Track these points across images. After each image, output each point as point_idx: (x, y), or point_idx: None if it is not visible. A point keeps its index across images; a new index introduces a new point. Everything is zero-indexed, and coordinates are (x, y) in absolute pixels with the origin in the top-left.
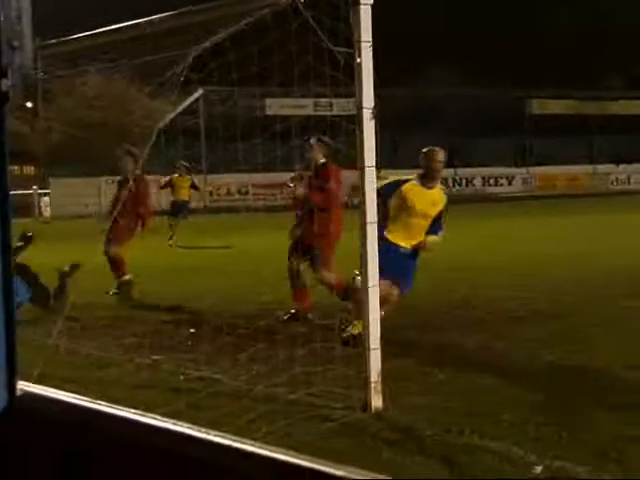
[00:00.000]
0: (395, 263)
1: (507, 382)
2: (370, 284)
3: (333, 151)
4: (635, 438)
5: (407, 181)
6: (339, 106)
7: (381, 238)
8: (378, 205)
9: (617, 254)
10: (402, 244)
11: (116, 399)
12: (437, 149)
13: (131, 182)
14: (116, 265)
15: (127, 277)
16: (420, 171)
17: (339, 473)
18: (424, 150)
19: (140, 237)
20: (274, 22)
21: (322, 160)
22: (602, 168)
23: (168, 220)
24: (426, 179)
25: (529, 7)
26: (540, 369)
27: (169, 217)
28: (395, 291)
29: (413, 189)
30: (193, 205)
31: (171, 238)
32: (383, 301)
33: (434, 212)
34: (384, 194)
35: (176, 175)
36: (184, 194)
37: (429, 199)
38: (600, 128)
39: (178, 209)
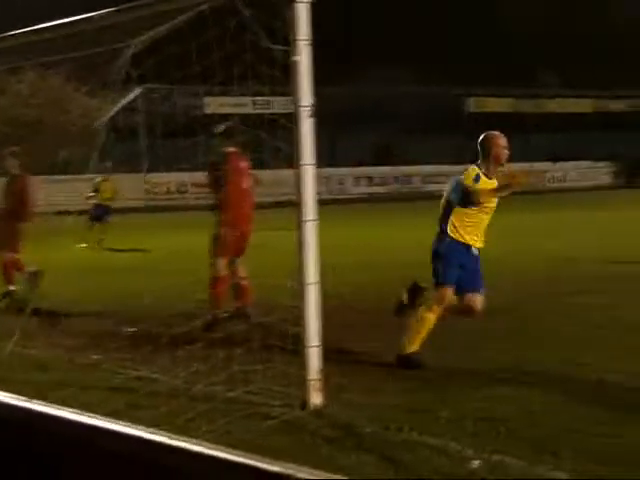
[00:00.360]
0: (468, 267)
1: (447, 379)
2: (310, 281)
3: (241, 139)
4: (572, 430)
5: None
6: (278, 104)
7: (449, 238)
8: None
9: (555, 251)
10: (473, 243)
11: (57, 399)
12: (498, 133)
13: (11, 183)
14: (14, 268)
15: (32, 268)
16: (479, 160)
17: (274, 469)
18: (484, 135)
19: (29, 238)
20: (213, 20)
21: (229, 149)
22: (539, 166)
23: (88, 224)
24: (488, 168)
25: (467, 6)
26: (479, 365)
27: (91, 221)
28: (478, 300)
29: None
30: (132, 204)
31: (98, 240)
32: (467, 311)
33: (495, 203)
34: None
35: (100, 179)
36: (108, 197)
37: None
38: (537, 126)
39: (101, 212)
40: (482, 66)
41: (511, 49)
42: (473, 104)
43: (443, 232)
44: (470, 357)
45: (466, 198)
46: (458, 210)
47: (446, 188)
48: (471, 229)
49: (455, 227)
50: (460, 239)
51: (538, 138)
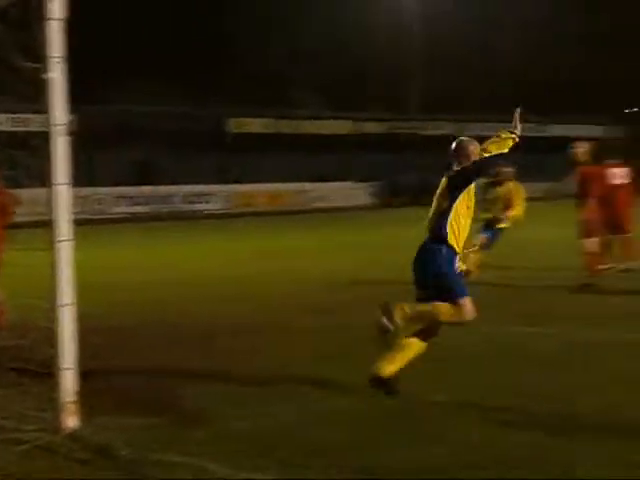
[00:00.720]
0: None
1: (205, 399)
2: (64, 302)
3: None
4: (329, 448)
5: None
6: (35, 122)
7: (448, 246)
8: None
9: (303, 271)
10: (460, 252)
11: None
12: (472, 139)
13: None
14: None
15: None
16: (454, 166)
17: None
18: (462, 141)
19: None
20: None
21: None
22: (302, 186)
23: None
24: None
25: (223, 28)
26: (240, 384)
27: None
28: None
29: None
30: None
31: None
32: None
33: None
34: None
35: None
36: None
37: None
38: (299, 146)
39: None
40: (242, 86)
41: (268, 69)
42: (234, 124)
43: (442, 239)
44: (230, 376)
45: (476, 173)
46: (455, 211)
47: (438, 191)
48: (462, 236)
49: (453, 232)
50: (455, 247)
51: (301, 158)
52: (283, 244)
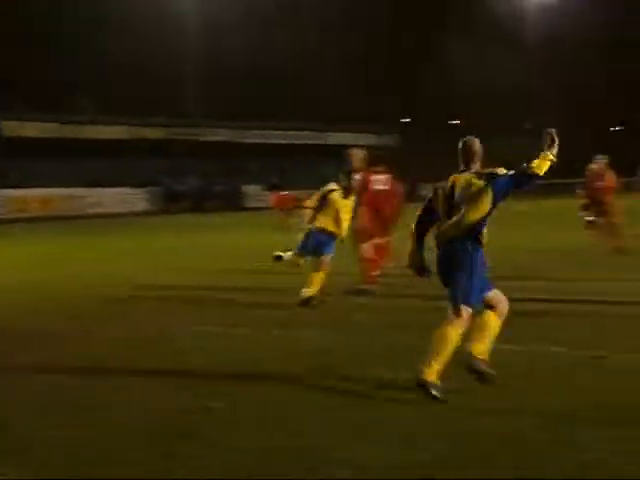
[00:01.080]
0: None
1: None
2: None
3: None
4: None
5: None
6: None
7: (481, 248)
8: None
9: (84, 278)
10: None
11: None
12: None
13: None
14: None
15: None
16: (472, 165)
17: None
18: (473, 139)
19: None
20: None
21: None
22: (77, 191)
23: None
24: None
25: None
26: (42, 391)
27: None
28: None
29: None
30: None
31: None
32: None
33: None
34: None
35: None
36: None
37: None
38: (76, 151)
39: None
40: (20, 91)
41: (45, 71)
42: (8, 128)
43: (476, 241)
44: (30, 384)
45: (519, 184)
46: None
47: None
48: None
49: (484, 235)
50: (483, 247)
51: (76, 163)
52: (58, 250)
